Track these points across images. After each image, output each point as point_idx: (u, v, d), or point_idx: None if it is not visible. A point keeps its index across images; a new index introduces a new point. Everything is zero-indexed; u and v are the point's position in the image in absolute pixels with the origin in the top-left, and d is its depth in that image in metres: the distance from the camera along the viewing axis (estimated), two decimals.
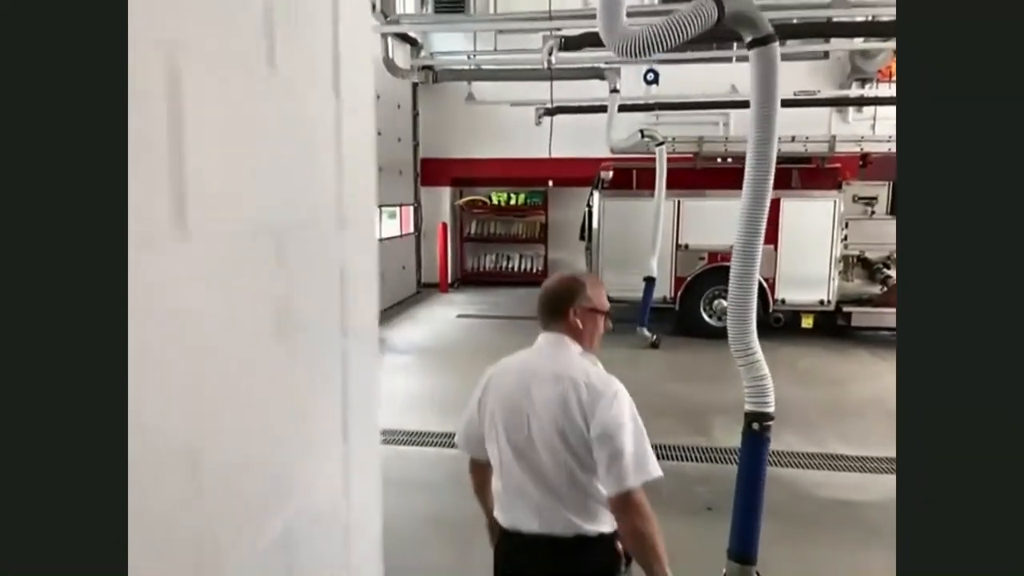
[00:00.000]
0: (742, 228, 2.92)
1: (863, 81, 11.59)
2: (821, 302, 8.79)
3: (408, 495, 4.46)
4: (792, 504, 4.34)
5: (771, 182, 2.85)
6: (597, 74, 8.17)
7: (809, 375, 7.27)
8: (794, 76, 11.88)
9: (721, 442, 5.41)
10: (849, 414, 6.15)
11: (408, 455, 5.15)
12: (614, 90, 8.10)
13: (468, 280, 13.78)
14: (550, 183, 8.13)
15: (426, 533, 3.98)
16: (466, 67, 9.49)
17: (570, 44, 6.52)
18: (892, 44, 9.85)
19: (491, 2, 11.86)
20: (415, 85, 12.46)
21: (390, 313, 10.78)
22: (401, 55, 9.68)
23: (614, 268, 8.62)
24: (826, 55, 12.34)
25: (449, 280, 13.19)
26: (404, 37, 10.77)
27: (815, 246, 8.72)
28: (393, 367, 7.73)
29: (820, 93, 11.04)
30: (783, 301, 8.83)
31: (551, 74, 7.80)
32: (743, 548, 3.05)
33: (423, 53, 9.28)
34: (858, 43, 10.43)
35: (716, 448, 5.27)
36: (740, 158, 8.80)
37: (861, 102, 11.19)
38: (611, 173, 8.79)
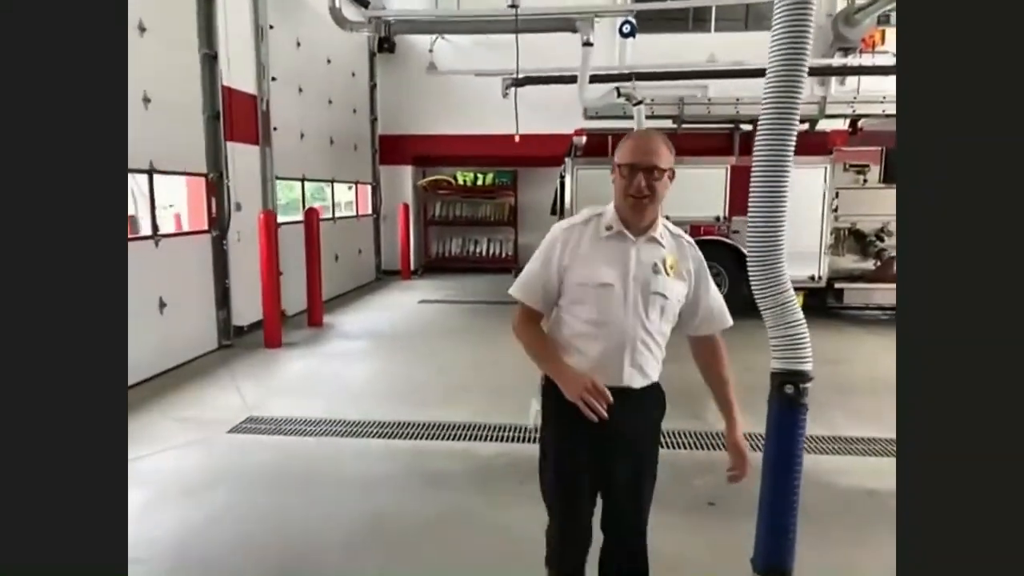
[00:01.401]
0: (771, 116, 2.15)
1: (846, 51, 11.01)
2: (811, 278, 8.13)
3: (343, 493, 3.61)
4: (809, 495, 3.55)
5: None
6: (568, 25, 7.36)
7: None
8: None
9: (717, 426, 4.63)
10: (856, 393, 5.45)
11: (345, 448, 4.26)
12: (587, 43, 7.29)
13: (433, 266, 12.86)
14: (517, 137, 7.27)
15: (361, 537, 3.13)
16: (423, 19, 8.55)
17: None
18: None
19: None
20: (372, 55, 11.54)
21: (343, 300, 9.82)
22: (353, 14, 8.74)
23: None
24: None
25: (412, 266, 12.26)
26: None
27: (804, 218, 8.04)
28: (339, 354, 6.79)
29: None
30: None
31: (516, 25, 6.98)
32: (774, 556, 2.25)
33: (375, 7, 8.30)
34: None
35: (712, 433, 4.50)
36: (725, 121, 8.03)
37: (845, 71, 10.59)
38: (584, 139, 7.99)
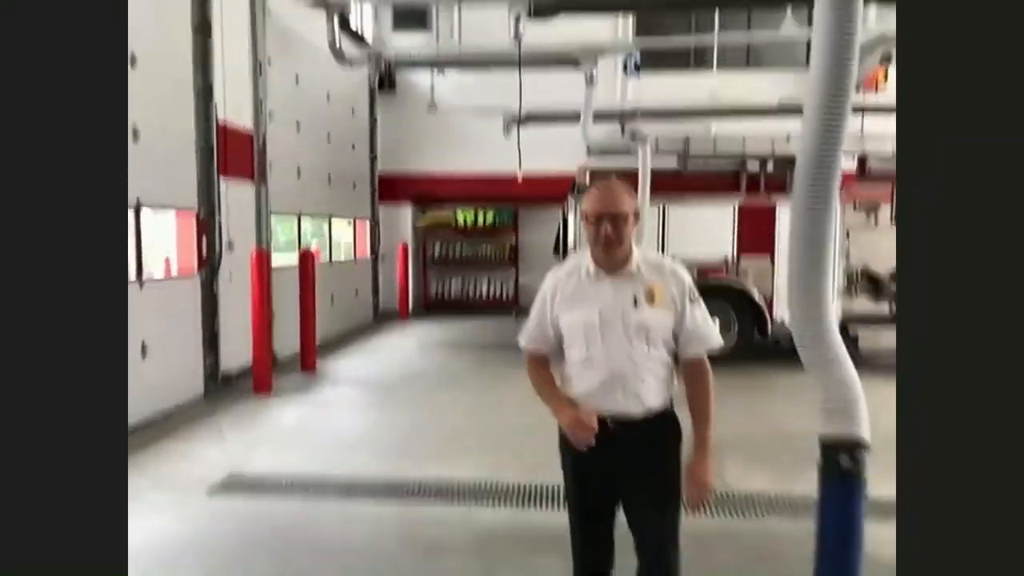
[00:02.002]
0: (812, 153, 1.94)
1: None
2: None
3: (327, 570, 3.19)
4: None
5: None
6: (571, 60, 7.23)
7: None
8: (777, 86, 11.28)
9: (737, 484, 4.26)
10: (888, 448, 5.06)
11: (332, 513, 3.87)
12: (590, 79, 7.16)
13: (432, 308, 12.56)
14: (519, 177, 7.06)
15: None
16: (424, 54, 8.43)
17: (541, 9, 5.56)
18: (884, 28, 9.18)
19: (455, 19, 11.05)
20: (373, 93, 11.48)
21: (339, 342, 9.48)
22: (353, 50, 8.64)
23: None
24: (809, 63, 11.78)
25: (410, 307, 11.96)
26: (358, 37, 9.81)
27: None
28: (331, 401, 6.43)
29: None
30: (783, 322, 7.83)
31: (519, 59, 6.85)
32: None
33: (377, 43, 8.18)
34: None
35: (733, 494, 4.11)
36: (732, 159, 7.85)
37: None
38: (588, 176, 7.80)
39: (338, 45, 7.39)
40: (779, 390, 6.76)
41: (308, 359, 7.53)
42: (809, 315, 1.96)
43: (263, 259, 6.47)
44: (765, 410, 6.03)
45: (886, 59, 10.84)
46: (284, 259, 8.25)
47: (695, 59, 12.03)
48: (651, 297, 2.05)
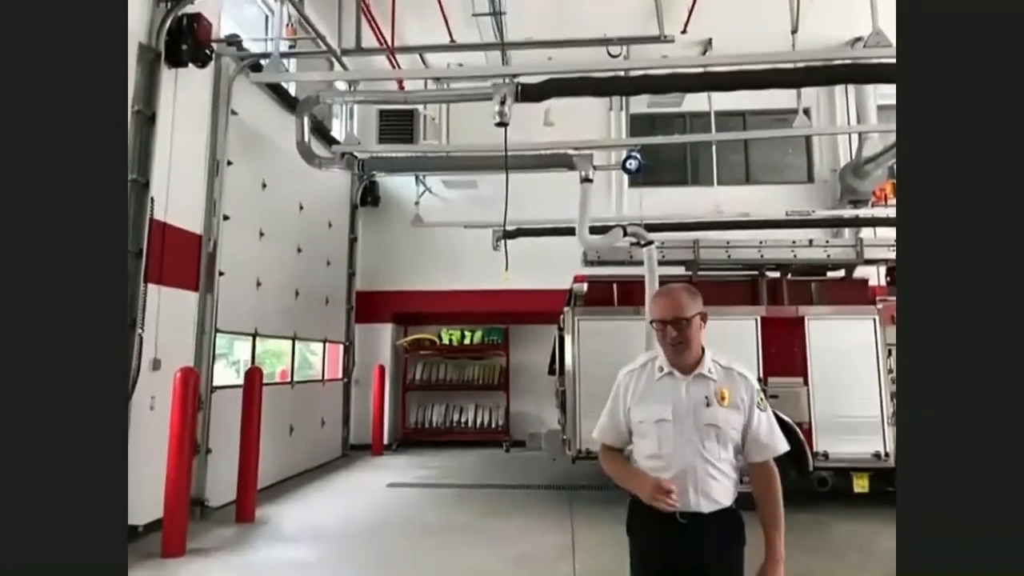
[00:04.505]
0: None
1: (856, 203, 10.39)
2: (876, 456, 6.49)
3: None
4: None
5: None
6: (565, 162, 6.52)
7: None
8: (781, 199, 10.76)
9: None
10: None
11: None
12: (586, 179, 6.41)
13: (410, 439, 11.08)
14: (506, 275, 6.07)
15: None
16: (405, 156, 7.72)
17: (528, 94, 4.86)
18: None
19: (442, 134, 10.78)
20: (354, 208, 10.86)
21: (294, 483, 7.99)
22: (324, 151, 8.01)
23: (595, 406, 6.26)
24: (811, 178, 11.40)
25: (386, 440, 10.52)
26: (335, 142, 9.27)
27: (858, 380, 6.64)
28: (261, 566, 4.94)
29: (815, 213, 9.73)
30: (826, 455, 6.51)
31: (507, 161, 6.12)
32: None
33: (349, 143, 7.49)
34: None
35: None
36: (749, 267, 6.82)
37: (858, 223, 9.87)
38: (586, 287, 6.83)
39: (307, 141, 6.68)
40: (840, 546, 5.31)
41: (245, 507, 6.07)
42: None
43: (190, 381, 5.26)
44: (801, 567, 4.62)
45: (891, 174, 10.46)
46: (229, 381, 7.03)
47: (692, 178, 11.64)
48: (721, 398, 2.13)
